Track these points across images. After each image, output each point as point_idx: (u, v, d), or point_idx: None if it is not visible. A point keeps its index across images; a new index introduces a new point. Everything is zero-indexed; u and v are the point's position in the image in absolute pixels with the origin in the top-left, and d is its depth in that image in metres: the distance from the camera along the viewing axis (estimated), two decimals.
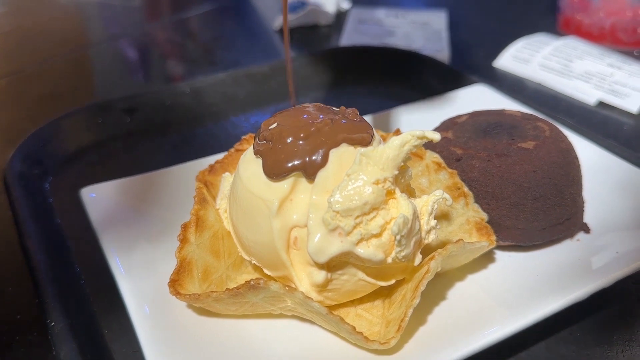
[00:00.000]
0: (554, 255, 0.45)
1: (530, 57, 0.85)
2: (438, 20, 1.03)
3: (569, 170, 0.46)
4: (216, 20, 1.14)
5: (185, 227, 0.41)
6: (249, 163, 0.40)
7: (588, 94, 0.76)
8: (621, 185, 0.52)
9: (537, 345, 0.42)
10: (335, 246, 0.35)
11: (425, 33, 0.97)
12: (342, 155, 0.37)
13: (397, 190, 0.37)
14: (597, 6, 0.93)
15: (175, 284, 0.39)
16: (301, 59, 0.81)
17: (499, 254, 0.46)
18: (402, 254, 0.36)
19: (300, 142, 0.38)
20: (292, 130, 0.39)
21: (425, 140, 0.36)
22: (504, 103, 0.64)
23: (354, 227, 0.35)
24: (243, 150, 0.50)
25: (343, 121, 0.39)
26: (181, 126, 0.70)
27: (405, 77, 0.80)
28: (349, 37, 0.95)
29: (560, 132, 0.48)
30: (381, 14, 1.05)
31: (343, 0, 1.10)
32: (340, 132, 0.38)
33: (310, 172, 0.37)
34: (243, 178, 0.39)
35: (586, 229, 0.48)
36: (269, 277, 0.41)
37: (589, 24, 0.94)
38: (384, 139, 0.51)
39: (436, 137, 0.36)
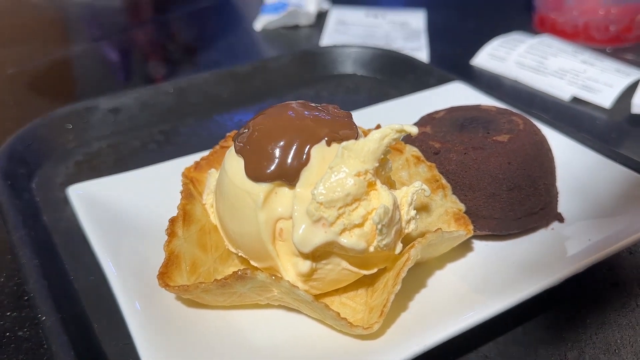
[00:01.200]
0: (529, 244, 0.47)
1: (506, 55, 0.87)
2: (416, 20, 1.05)
3: (542, 161, 0.48)
4: (198, 21, 1.15)
5: (172, 221, 0.42)
6: (233, 159, 0.41)
7: (562, 90, 0.79)
8: (593, 177, 0.54)
9: (515, 329, 0.44)
10: (319, 236, 0.37)
11: (404, 33, 0.99)
12: (325, 151, 0.39)
13: (378, 182, 0.38)
14: (570, 5, 0.96)
15: (164, 276, 0.40)
16: (283, 58, 0.82)
17: (476, 243, 0.48)
18: (384, 242, 0.37)
19: (281, 143, 0.39)
20: (273, 130, 0.40)
21: (404, 134, 0.38)
22: (481, 99, 0.66)
23: (337, 218, 0.37)
24: (228, 147, 0.51)
25: (327, 117, 0.41)
26: (165, 125, 0.71)
27: (385, 76, 0.82)
28: (329, 37, 0.97)
29: (534, 126, 0.50)
30: (361, 14, 1.07)
31: (323, 0, 1.11)
32: (323, 128, 0.40)
33: (291, 177, 0.38)
34: (229, 173, 0.41)
35: (560, 219, 0.50)
36: (256, 269, 0.42)
37: (563, 22, 0.96)
38: (365, 135, 0.53)
39: (414, 130, 0.38)
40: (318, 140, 0.39)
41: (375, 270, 0.41)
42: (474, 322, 0.39)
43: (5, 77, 0.88)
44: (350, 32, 1.00)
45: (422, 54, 0.91)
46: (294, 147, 0.39)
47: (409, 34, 0.98)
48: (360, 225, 0.37)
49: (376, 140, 0.37)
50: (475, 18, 1.13)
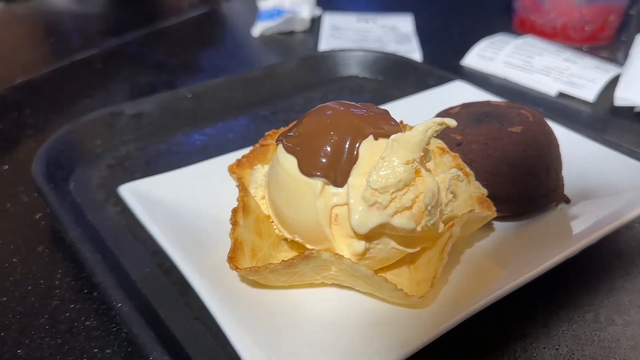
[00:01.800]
0: (544, 222, 0.53)
1: (494, 55, 0.94)
2: (405, 23, 1.11)
3: (551, 149, 0.54)
4: (194, 30, 1.19)
5: (234, 211, 0.47)
6: (287, 156, 0.46)
7: (549, 86, 0.86)
8: (590, 161, 0.60)
9: (536, 297, 0.49)
10: (375, 218, 0.42)
11: (395, 36, 1.05)
12: (372, 145, 0.44)
13: (422, 169, 0.43)
14: (547, 7, 1.03)
15: (232, 260, 0.44)
16: (289, 63, 0.87)
17: (497, 224, 0.54)
18: (431, 222, 0.42)
19: (331, 142, 0.44)
20: (323, 130, 0.45)
21: (444, 126, 0.43)
22: (482, 96, 0.72)
23: (390, 202, 0.42)
24: (267, 145, 0.56)
25: (369, 114, 0.46)
26: (186, 128, 0.75)
27: (387, 77, 0.87)
28: (327, 42, 1.02)
29: (542, 118, 0.56)
30: (352, 19, 1.13)
31: (315, 6, 1.16)
32: (369, 124, 0.45)
33: (344, 173, 0.43)
34: (285, 167, 0.45)
35: (567, 200, 0.56)
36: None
37: (542, 23, 1.04)
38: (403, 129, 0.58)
39: (453, 123, 0.43)
40: (366, 136, 0.44)
41: (418, 248, 0.46)
42: (507, 290, 0.44)
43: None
44: (344, 37, 1.05)
45: (416, 56, 0.97)
46: (346, 145, 0.43)
47: (400, 38, 1.04)
48: (410, 207, 0.42)
49: (421, 133, 0.42)
50: (459, 21, 1.20)
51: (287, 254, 0.50)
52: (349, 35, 1.05)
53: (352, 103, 0.49)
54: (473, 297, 0.43)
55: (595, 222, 0.52)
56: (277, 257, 0.49)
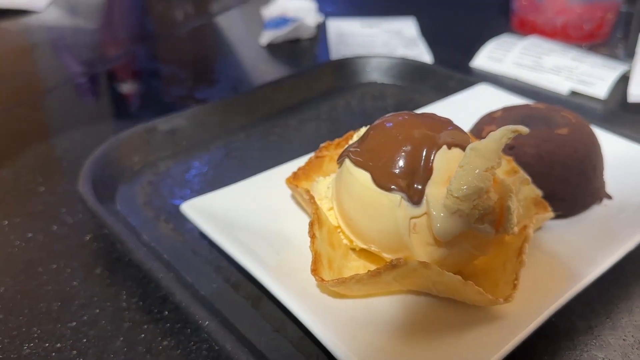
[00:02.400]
0: (593, 219, 0.56)
1: (503, 56, 0.97)
2: (409, 27, 1.13)
3: (596, 149, 0.56)
4: (202, 39, 1.18)
5: (311, 224, 0.48)
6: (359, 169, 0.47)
7: (560, 85, 0.89)
8: (622, 158, 0.63)
9: (595, 290, 0.51)
10: (458, 226, 0.43)
11: (402, 40, 1.07)
12: (446, 154, 0.46)
13: (498, 175, 0.45)
14: (545, 7, 1.06)
15: (316, 272, 0.45)
16: (310, 71, 0.88)
17: (550, 223, 0.56)
18: (511, 226, 0.44)
19: (405, 155, 0.45)
20: (394, 143, 0.46)
21: (517, 133, 0.45)
22: (508, 98, 0.75)
23: (472, 209, 0.43)
24: (323, 157, 0.57)
25: (437, 124, 0.47)
26: (219, 141, 0.76)
27: (405, 82, 0.89)
28: (336, 49, 1.03)
29: (583, 119, 0.59)
30: (356, 25, 1.14)
31: (319, 13, 1.17)
32: (440, 135, 0.46)
33: (416, 193, 0.45)
34: (360, 180, 0.46)
35: (609, 197, 0.58)
36: (381, 262, 0.49)
37: (541, 23, 1.07)
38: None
39: (526, 130, 0.45)
40: (440, 147, 0.46)
41: (490, 252, 0.48)
42: (578, 289, 0.46)
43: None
44: (352, 43, 1.06)
45: (426, 59, 0.99)
46: (422, 157, 0.45)
47: (406, 42, 1.06)
48: (490, 214, 0.44)
49: (497, 140, 0.44)
50: (459, 24, 1.23)
51: (357, 263, 0.51)
52: (356, 41, 1.07)
53: (415, 113, 0.50)
54: (549, 296, 0.45)
55: None
56: (349, 267, 0.50)
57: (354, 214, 0.48)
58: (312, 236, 0.47)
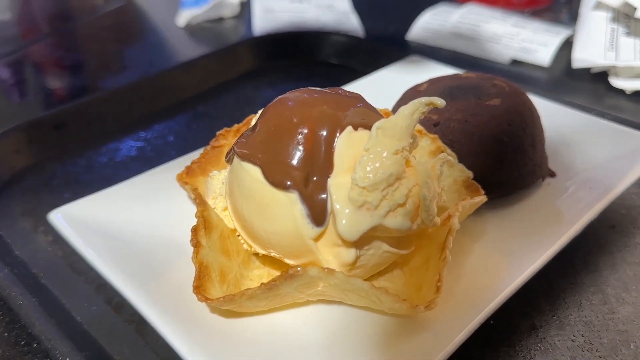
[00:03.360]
0: (534, 200, 0.49)
1: (440, 27, 0.89)
2: (341, 2, 1.04)
3: (534, 119, 0.50)
4: (114, 24, 1.07)
5: (195, 230, 0.39)
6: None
7: (501, 54, 0.82)
8: (567, 129, 0.57)
9: (541, 283, 0.45)
10: (365, 222, 0.36)
11: (334, 15, 0.99)
12: (352, 135, 0.38)
13: (412, 158, 0.37)
14: None
15: (200, 290, 0.37)
16: (223, 52, 0.79)
17: (484, 207, 0.49)
18: (430, 218, 0.37)
19: (301, 140, 0.37)
20: (290, 128, 0.38)
21: (432, 107, 0.37)
22: (441, 69, 0.67)
23: (381, 200, 0.36)
24: (220, 147, 0.49)
25: (342, 101, 0.40)
26: (114, 136, 0.66)
27: (337, 59, 0.81)
28: (261, 27, 0.94)
29: (517, 87, 0.52)
30: (285, 0, 1.05)
31: None
32: (344, 114, 0.38)
33: (317, 187, 0.37)
34: (251, 172, 0.38)
35: (552, 173, 0.52)
36: (287, 267, 0.41)
37: None
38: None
39: (442, 102, 0.37)
40: (344, 127, 0.38)
41: (412, 248, 0.40)
42: (517, 284, 0.39)
43: None
44: (279, 19, 0.97)
45: (358, 34, 0.91)
46: (321, 141, 0.37)
47: (338, 16, 0.98)
48: (403, 204, 0.36)
49: (407, 116, 0.37)
50: None
51: (260, 270, 0.43)
52: (284, 17, 0.98)
53: (319, 89, 0.42)
54: (484, 296, 0.38)
55: (593, 192, 0.48)
56: (250, 277, 0.42)
57: (247, 214, 0.40)
58: (196, 245, 0.39)
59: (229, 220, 0.42)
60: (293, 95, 0.41)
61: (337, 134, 0.38)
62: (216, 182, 0.45)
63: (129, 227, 0.46)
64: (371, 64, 0.76)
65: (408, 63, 0.70)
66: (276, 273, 0.42)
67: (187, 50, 0.92)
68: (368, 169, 0.36)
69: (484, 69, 0.80)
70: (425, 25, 0.91)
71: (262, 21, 0.97)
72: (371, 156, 0.36)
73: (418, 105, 0.37)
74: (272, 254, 0.40)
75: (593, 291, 0.45)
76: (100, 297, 0.45)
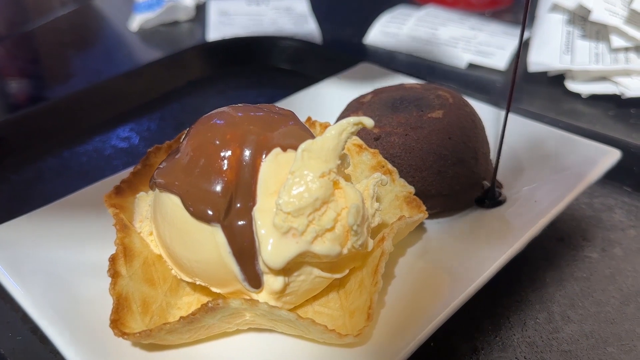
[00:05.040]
0: (480, 214, 0.47)
1: (397, 30, 0.88)
2: (300, 4, 1.02)
3: (477, 132, 0.48)
4: (66, 29, 1.04)
5: (113, 259, 0.37)
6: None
7: (458, 57, 0.81)
8: (516, 137, 0.55)
9: (484, 301, 0.43)
10: (291, 249, 0.34)
11: (291, 18, 0.97)
12: (279, 156, 0.36)
13: (341, 179, 0.36)
14: None
15: (117, 324, 0.35)
16: (172, 58, 0.76)
17: (428, 223, 0.47)
18: (359, 242, 0.35)
19: (218, 175, 0.35)
20: (211, 152, 0.36)
21: (361, 126, 0.35)
22: (391, 77, 0.66)
23: (308, 226, 0.34)
24: (150, 165, 0.46)
25: (272, 120, 0.38)
26: (55, 149, 0.63)
27: (286, 64, 0.79)
28: (215, 30, 0.92)
29: (462, 98, 0.50)
30: (242, 3, 1.03)
31: None
32: (272, 134, 0.37)
33: (240, 216, 0.35)
34: (172, 198, 0.36)
35: (499, 185, 0.50)
36: (217, 295, 0.39)
37: None
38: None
39: (370, 122, 0.35)
40: (270, 149, 0.36)
41: (347, 271, 0.39)
42: (456, 305, 0.38)
43: None
44: (235, 23, 0.95)
45: (315, 38, 0.89)
46: (243, 165, 0.35)
47: (296, 19, 0.96)
48: (332, 229, 0.35)
49: (335, 137, 0.35)
50: None
51: (190, 297, 0.41)
52: (240, 21, 0.96)
53: (249, 106, 0.40)
54: (423, 317, 0.37)
55: (538, 206, 0.46)
56: (178, 305, 0.40)
57: (169, 241, 0.37)
58: (113, 275, 0.36)
59: (155, 245, 0.40)
60: (219, 114, 0.39)
61: (263, 156, 0.36)
62: (143, 204, 0.42)
63: (54, 253, 0.43)
64: (324, 70, 0.74)
65: (358, 71, 0.68)
66: (207, 300, 0.40)
67: (137, 56, 0.89)
68: (293, 193, 0.34)
69: (441, 73, 0.79)
70: (383, 28, 0.89)
71: (218, 25, 0.94)
72: (296, 179, 0.34)
73: (346, 125, 0.35)
74: (198, 283, 0.38)
75: (538, 309, 0.44)
76: (26, 327, 0.42)
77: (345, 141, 0.35)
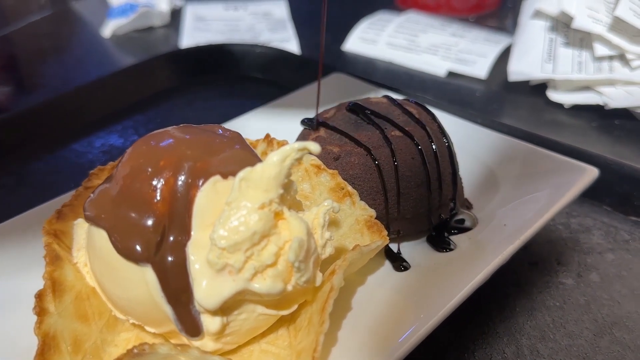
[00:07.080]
0: (446, 239, 0.45)
1: (376, 36, 0.85)
2: (279, 9, 1.00)
3: (443, 150, 0.45)
4: (38, 35, 1.01)
5: (40, 296, 0.34)
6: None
7: (437, 65, 0.78)
8: (487, 153, 0.52)
9: (449, 334, 0.41)
10: (227, 288, 0.31)
11: (269, 24, 0.94)
12: (217, 184, 0.33)
13: (285, 210, 0.33)
14: None
15: None
16: (141, 65, 0.73)
17: (392, 247, 0.44)
18: (303, 279, 0.32)
19: (146, 209, 0.32)
20: (140, 180, 0.33)
21: (306, 152, 0.33)
22: (364, 88, 0.63)
23: (245, 262, 0.31)
24: (93, 188, 0.43)
25: (212, 144, 0.35)
26: (11, 165, 0.60)
27: (259, 73, 0.76)
28: (190, 37, 0.89)
29: (429, 113, 0.47)
30: (219, 7, 1.00)
31: None
32: (210, 159, 0.34)
33: (171, 254, 0.32)
34: (101, 230, 0.33)
35: (468, 205, 0.48)
36: (154, 335, 0.36)
37: None
38: (254, 147, 0.47)
39: (316, 148, 0.32)
40: (209, 176, 0.33)
41: (295, 307, 0.36)
42: (418, 339, 0.35)
43: None
44: (211, 28, 0.92)
45: (292, 45, 0.86)
46: (178, 197, 0.32)
47: (274, 25, 0.93)
48: (273, 264, 0.32)
49: (277, 164, 0.32)
50: (336, 1, 1.10)
51: (129, 334, 0.38)
52: (216, 27, 0.93)
53: (192, 126, 0.37)
54: (380, 353, 0.34)
55: (508, 230, 0.44)
56: (115, 341, 0.37)
57: (99, 276, 0.35)
58: (39, 313, 0.34)
59: (90, 277, 0.37)
60: (156, 136, 0.36)
61: (200, 185, 0.33)
62: (81, 232, 0.39)
63: None
64: (298, 79, 0.71)
65: (330, 82, 0.65)
66: (146, 336, 0.37)
67: (108, 64, 0.86)
68: (228, 226, 0.31)
69: (419, 82, 0.76)
70: (362, 35, 0.86)
71: (192, 31, 0.91)
72: (232, 211, 0.31)
73: (289, 151, 0.32)
74: (131, 321, 0.35)
75: (506, 342, 0.41)
76: None
77: (289, 168, 0.32)
